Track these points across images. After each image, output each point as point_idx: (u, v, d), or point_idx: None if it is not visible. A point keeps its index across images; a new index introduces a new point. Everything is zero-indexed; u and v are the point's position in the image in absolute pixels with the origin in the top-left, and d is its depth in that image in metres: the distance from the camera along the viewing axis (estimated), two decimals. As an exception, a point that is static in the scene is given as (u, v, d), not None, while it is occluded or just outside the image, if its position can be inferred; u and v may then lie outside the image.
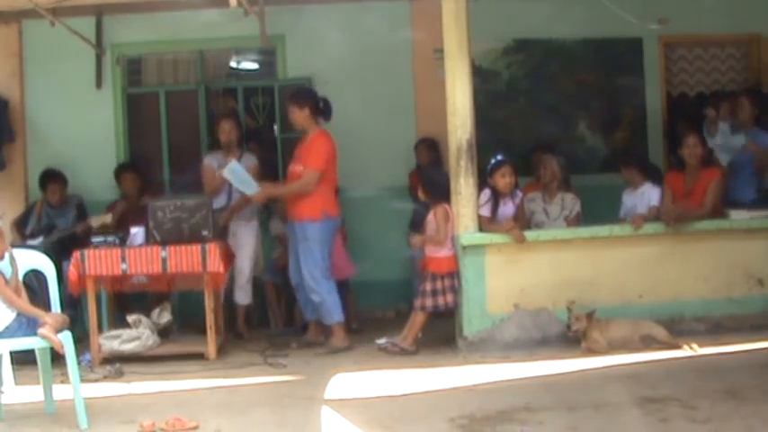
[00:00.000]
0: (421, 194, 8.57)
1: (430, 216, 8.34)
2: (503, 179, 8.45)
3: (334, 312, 8.57)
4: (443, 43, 8.28)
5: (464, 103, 8.20)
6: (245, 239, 9.35)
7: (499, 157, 8.58)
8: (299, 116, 8.66)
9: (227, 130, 9.35)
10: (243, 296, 9.41)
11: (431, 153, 10.19)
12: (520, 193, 8.66)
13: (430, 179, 8.66)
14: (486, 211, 8.38)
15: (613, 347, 7.89)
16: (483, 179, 8.44)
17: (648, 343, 7.92)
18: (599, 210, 8.80)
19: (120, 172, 10.21)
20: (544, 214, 8.96)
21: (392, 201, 10.33)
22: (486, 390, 6.92)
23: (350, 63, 10.41)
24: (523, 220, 8.62)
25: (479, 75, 9.34)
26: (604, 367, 7.46)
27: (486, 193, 8.44)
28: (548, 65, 10.75)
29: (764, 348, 7.88)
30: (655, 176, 9.08)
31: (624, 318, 8.10)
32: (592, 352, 7.84)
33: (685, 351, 7.75)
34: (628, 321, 8.05)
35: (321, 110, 8.72)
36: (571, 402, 6.37)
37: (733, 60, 11.20)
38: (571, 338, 8.01)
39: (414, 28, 10.49)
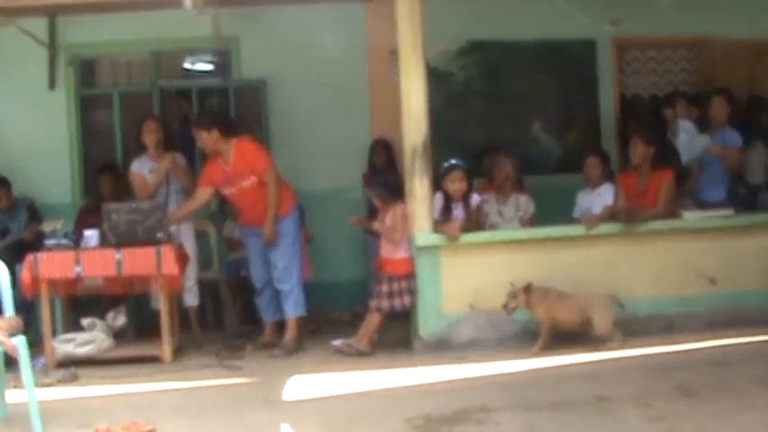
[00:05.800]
0: (375, 198, 8.58)
1: (388, 215, 8.33)
2: (453, 185, 8.46)
3: (299, 304, 8.66)
4: (398, 45, 8.30)
5: (419, 105, 8.21)
6: (184, 241, 9.16)
7: (452, 162, 8.59)
8: (209, 139, 8.56)
9: (152, 129, 9.21)
10: (191, 298, 9.34)
11: (385, 154, 10.22)
12: (476, 197, 8.65)
13: (384, 181, 8.68)
14: (436, 215, 8.39)
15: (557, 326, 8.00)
16: (438, 181, 8.47)
17: (587, 327, 7.99)
18: (553, 210, 8.84)
19: (100, 173, 10.04)
20: (498, 215, 8.97)
21: (347, 202, 10.32)
22: (442, 390, 6.94)
23: (305, 64, 10.40)
24: (478, 222, 8.61)
25: (434, 76, 9.34)
26: (560, 366, 7.50)
27: (439, 197, 8.46)
28: (502, 66, 10.78)
29: (716, 346, 7.96)
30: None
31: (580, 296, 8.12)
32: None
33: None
34: (576, 304, 8.02)
35: (228, 126, 8.70)
36: (527, 402, 6.40)
37: (685, 62, 11.32)
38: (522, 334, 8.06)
39: (368, 29, 10.47)
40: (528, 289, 7.93)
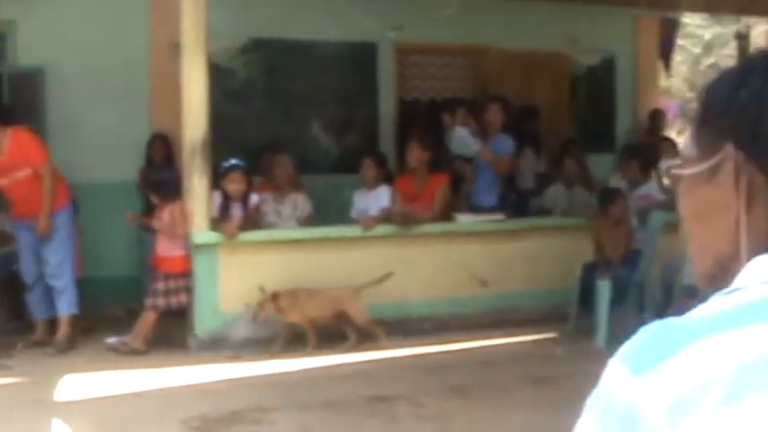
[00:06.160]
0: (152, 195, 8.44)
1: (166, 212, 8.20)
2: (231, 185, 8.40)
3: (73, 302, 8.40)
4: (180, 38, 8.18)
5: (199, 101, 8.13)
6: None
7: (232, 162, 8.52)
8: None
9: None
10: None
11: (164, 149, 10.04)
12: (255, 197, 8.61)
13: (161, 179, 8.55)
14: (215, 213, 8.33)
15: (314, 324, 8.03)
16: (217, 179, 8.39)
17: (344, 322, 8.08)
18: (331, 210, 8.92)
19: None
20: (276, 215, 8.94)
21: (123, 196, 10.09)
22: (218, 390, 6.91)
23: (85, 53, 10.06)
24: (256, 222, 8.57)
25: (215, 72, 9.22)
26: (333, 365, 7.59)
27: (217, 195, 8.38)
28: (283, 65, 10.77)
29: (486, 346, 8.24)
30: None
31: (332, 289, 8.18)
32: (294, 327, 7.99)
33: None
34: (326, 298, 8.08)
35: (1, 115, 8.39)
36: (302, 402, 6.45)
37: (463, 69, 11.62)
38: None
39: (151, 21, 10.25)
40: (275, 297, 7.88)
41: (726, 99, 1.24)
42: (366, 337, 8.10)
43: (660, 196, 9.48)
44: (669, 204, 9.34)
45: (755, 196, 1.20)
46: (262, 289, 7.90)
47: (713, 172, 1.23)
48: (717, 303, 1.17)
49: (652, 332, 1.15)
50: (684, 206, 1.31)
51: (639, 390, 1.11)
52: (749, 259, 1.20)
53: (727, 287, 1.20)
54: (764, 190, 1.19)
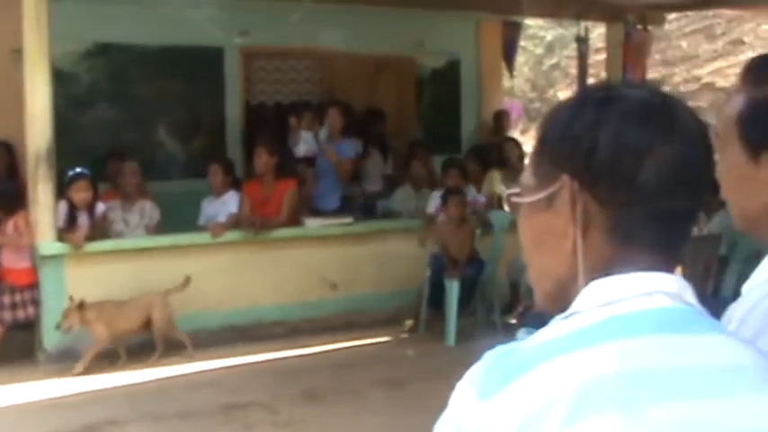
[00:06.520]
0: None
1: (9, 224, 7.97)
2: (77, 194, 8.25)
3: None
4: (22, 44, 7.98)
5: (43, 108, 7.94)
6: None
7: (77, 171, 8.35)
8: None
9: None
10: None
11: (6, 158, 9.77)
12: (102, 205, 8.47)
13: (1, 190, 8.30)
14: (60, 223, 8.16)
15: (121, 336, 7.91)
16: (62, 188, 8.22)
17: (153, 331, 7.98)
18: (180, 217, 8.83)
19: None
20: (123, 223, 8.80)
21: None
22: (69, 404, 6.80)
23: None
24: (103, 231, 8.43)
25: (59, 77, 9.02)
26: (187, 374, 7.55)
27: (63, 205, 8.22)
28: (129, 70, 10.61)
29: (337, 349, 8.33)
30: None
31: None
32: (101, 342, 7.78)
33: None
34: (135, 307, 7.94)
35: None
36: (156, 413, 6.42)
37: (309, 72, 11.66)
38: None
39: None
40: (81, 306, 7.67)
41: (561, 131, 1.31)
42: (174, 349, 7.99)
43: (482, 199, 9.73)
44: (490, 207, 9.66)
45: (591, 223, 1.28)
46: (71, 298, 7.70)
47: (551, 200, 1.31)
48: (557, 327, 1.25)
49: (497, 356, 1.22)
50: (524, 232, 1.38)
51: (486, 413, 1.18)
52: (587, 283, 1.28)
53: (567, 308, 1.28)
54: (599, 217, 1.28)
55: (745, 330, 1.47)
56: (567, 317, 1.26)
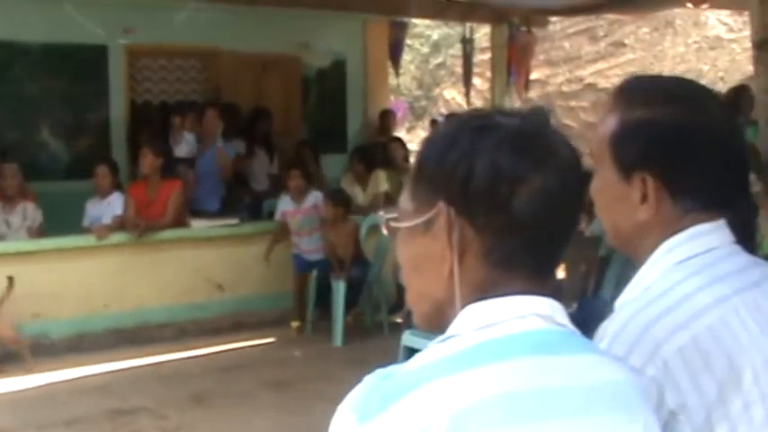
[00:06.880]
0: None
1: None
2: None
3: None
4: None
5: None
6: None
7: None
8: None
9: None
10: None
11: None
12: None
13: None
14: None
15: None
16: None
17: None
18: (63, 218, 8.68)
19: None
20: (5, 225, 8.61)
21: None
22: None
23: None
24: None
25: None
26: (72, 380, 7.44)
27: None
28: (9, 68, 10.36)
29: (225, 351, 8.31)
30: None
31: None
32: None
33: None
34: None
35: None
36: (42, 420, 6.34)
37: (195, 72, 11.58)
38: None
39: None
40: None
41: (437, 158, 1.36)
42: (12, 358, 7.77)
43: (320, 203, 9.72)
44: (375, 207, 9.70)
45: (467, 248, 1.33)
46: None
47: (428, 225, 1.35)
48: (434, 351, 1.28)
49: (377, 379, 1.26)
50: (403, 256, 1.42)
51: None
52: (463, 306, 1.32)
53: (445, 329, 1.33)
54: (476, 243, 1.32)
55: (617, 347, 1.50)
56: (443, 340, 1.30)
